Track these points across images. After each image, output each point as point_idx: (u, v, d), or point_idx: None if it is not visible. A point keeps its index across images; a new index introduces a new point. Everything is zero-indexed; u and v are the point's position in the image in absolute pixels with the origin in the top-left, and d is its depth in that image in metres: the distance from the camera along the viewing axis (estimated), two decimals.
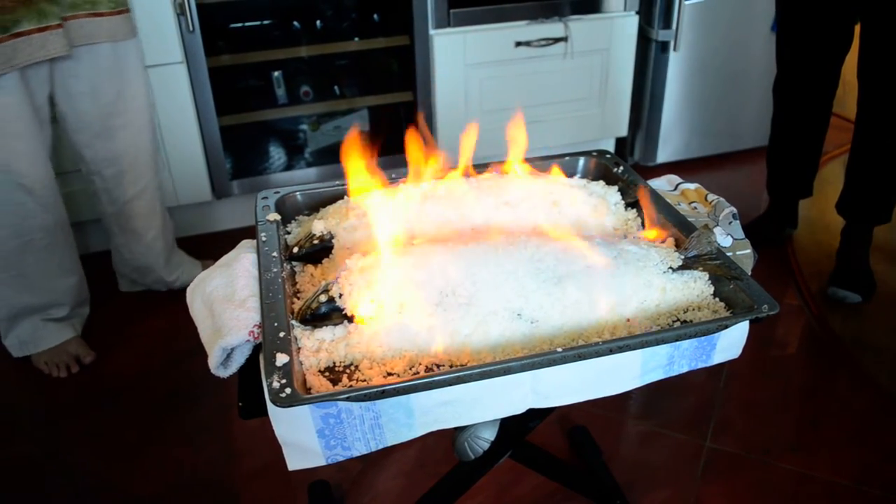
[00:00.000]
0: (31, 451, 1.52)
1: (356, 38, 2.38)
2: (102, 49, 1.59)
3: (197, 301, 0.85)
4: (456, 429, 0.93)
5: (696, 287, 0.85)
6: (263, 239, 0.90)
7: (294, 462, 0.76)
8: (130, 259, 1.89)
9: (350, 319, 0.77)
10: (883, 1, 1.66)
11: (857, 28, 1.80)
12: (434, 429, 0.77)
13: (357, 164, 0.93)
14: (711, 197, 1.04)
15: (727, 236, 0.96)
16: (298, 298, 0.85)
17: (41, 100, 1.56)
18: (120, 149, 1.71)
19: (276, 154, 2.54)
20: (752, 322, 0.81)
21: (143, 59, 1.72)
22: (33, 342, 1.72)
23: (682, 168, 2.64)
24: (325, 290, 0.78)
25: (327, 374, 0.75)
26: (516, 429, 1.01)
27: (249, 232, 0.93)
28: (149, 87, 1.75)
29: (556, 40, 2.25)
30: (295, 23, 2.44)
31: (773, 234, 2.18)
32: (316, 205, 1.02)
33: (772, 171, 2.14)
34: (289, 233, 0.98)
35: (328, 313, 0.77)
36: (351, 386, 0.73)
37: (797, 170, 2.09)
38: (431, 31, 2.09)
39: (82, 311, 1.82)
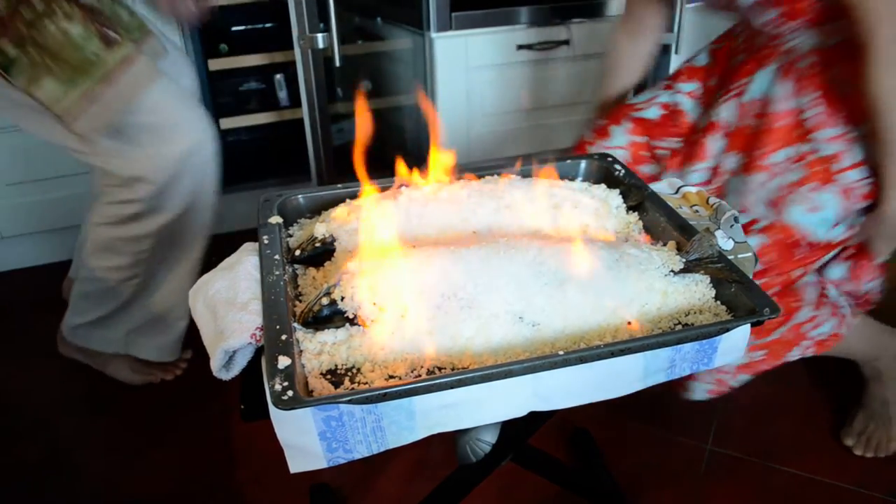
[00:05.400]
0: (32, 453, 1.52)
1: (359, 41, 2.38)
2: None
3: (199, 304, 0.86)
4: (457, 431, 0.93)
5: (697, 290, 0.85)
6: (265, 242, 0.90)
7: (296, 464, 0.76)
8: None
9: (352, 322, 0.77)
10: None
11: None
12: (436, 431, 0.77)
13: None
14: (713, 200, 1.04)
15: (729, 239, 0.96)
16: (300, 301, 0.85)
17: None
18: None
19: (278, 157, 2.55)
20: (753, 325, 0.81)
21: None
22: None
23: None
24: (328, 293, 0.78)
25: (329, 376, 0.75)
26: (518, 432, 1.01)
27: (251, 235, 0.93)
28: None
29: (559, 43, 2.25)
30: None
31: None
32: (318, 207, 1.02)
33: None
34: (291, 236, 0.98)
35: (330, 316, 0.77)
36: (353, 389, 0.73)
37: None
38: (433, 34, 2.09)
39: None
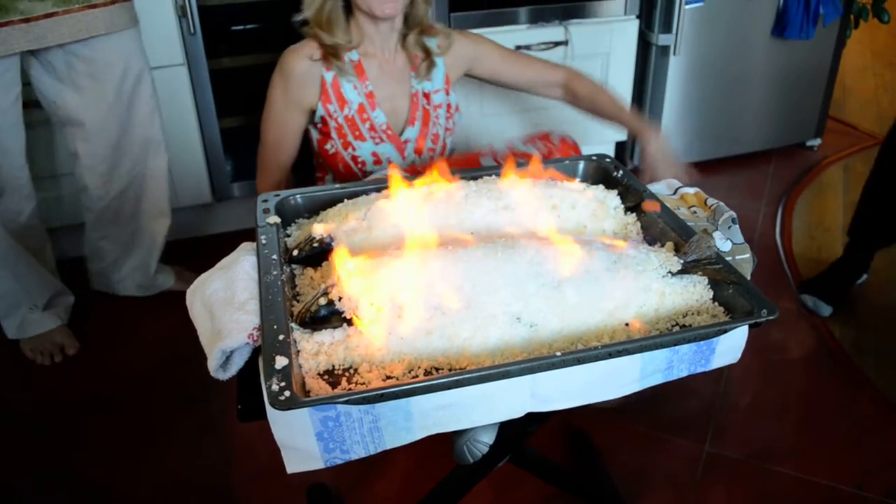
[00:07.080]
0: (29, 453, 1.52)
1: None
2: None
3: (196, 303, 0.85)
4: (455, 432, 0.93)
5: (695, 291, 0.85)
6: (263, 242, 0.90)
7: (293, 465, 0.76)
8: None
9: (349, 323, 0.77)
10: None
11: None
12: (433, 432, 0.77)
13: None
14: (711, 201, 1.04)
15: (726, 241, 0.96)
16: (298, 301, 0.85)
17: None
18: None
19: None
20: (751, 326, 0.81)
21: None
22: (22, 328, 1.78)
23: None
24: (325, 293, 0.78)
25: (326, 377, 0.75)
26: (515, 433, 1.01)
27: (249, 235, 0.93)
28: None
29: (557, 44, 2.25)
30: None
31: (847, 285, 1.96)
32: (316, 207, 1.02)
33: (863, 216, 1.89)
34: (288, 236, 0.98)
35: (327, 316, 0.77)
36: (350, 389, 0.73)
37: (891, 218, 1.88)
38: None
39: (65, 301, 1.84)
